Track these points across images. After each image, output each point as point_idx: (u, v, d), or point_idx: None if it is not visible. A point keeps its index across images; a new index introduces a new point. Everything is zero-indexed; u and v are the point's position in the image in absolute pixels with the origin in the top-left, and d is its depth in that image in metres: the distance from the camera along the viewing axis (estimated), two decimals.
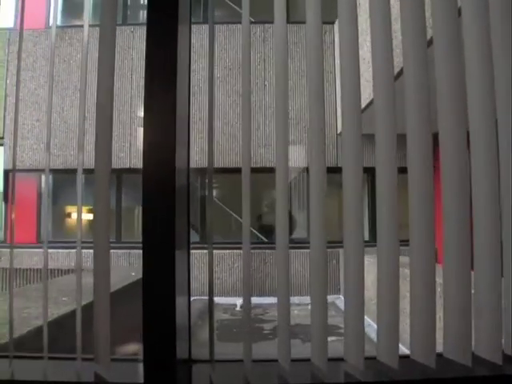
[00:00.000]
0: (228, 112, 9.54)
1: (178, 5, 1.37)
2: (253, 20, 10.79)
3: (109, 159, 1.47)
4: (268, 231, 9.61)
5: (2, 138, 10.37)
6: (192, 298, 1.48)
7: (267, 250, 8.95)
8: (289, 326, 1.43)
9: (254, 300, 7.80)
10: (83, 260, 1.58)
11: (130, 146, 9.60)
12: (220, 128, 9.46)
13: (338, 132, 8.94)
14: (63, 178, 10.59)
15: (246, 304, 1.45)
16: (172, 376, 1.32)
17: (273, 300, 6.71)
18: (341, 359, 1.44)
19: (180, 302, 1.35)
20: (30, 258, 9.59)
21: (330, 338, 1.45)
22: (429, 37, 1.42)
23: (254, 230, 9.93)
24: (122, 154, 9.63)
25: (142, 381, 1.32)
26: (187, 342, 1.45)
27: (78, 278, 1.51)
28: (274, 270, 9.15)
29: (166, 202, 1.33)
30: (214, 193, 11.01)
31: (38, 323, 2.91)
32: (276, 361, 1.44)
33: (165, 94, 1.35)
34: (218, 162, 9.86)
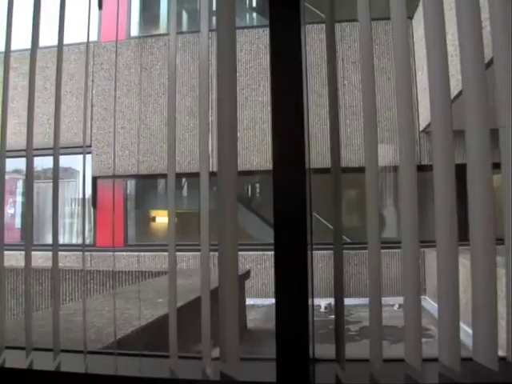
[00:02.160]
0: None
1: (299, 6, 1.39)
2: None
3: (235, 163, 1.50)
4: (350, 231, 9.47)
5: (90, 146, 10.77)
6: None
7: (351, 251, 8.82)
8: (420, 327, 1.40)
9: None
10: (176, 262, 1.62)
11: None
12: None
13: (421, 129, 8.72)
14: (148, 182, 10.90)
15: (376, 304, 1.42)
16: (306, 375, 1.34)
17: (357, 301, 6.63)
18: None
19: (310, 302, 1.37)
20: (119, 260, 9.92)
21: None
22: None
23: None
24: None
25: (273, 380, 1.35)
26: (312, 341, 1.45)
27: (203, 279, 1.54)
28: (358, 270, 9.03)
29: (297, 202, 1.36)
30: None
31: (140, 323, 2.96)
32: (403, 360, 1.41)
33: (292, 94, 1.39)
34: None
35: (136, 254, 9.71)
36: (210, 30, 1.60)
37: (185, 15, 11.33)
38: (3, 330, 1.72)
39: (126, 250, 10.17)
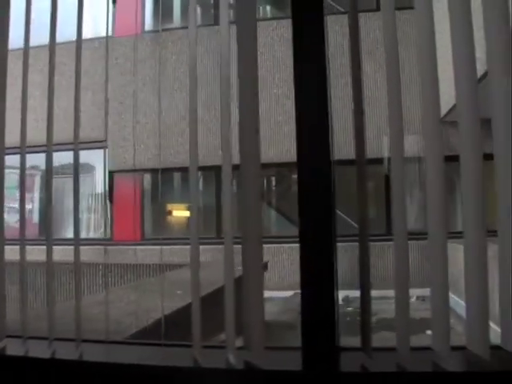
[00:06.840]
0: None
1: None
2: None
3: (258, 156, 1.49)
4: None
5: (105, 140, 10.78)
6: None
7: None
8: (448, 313, 1.37)
9: None
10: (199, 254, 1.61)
11: None
12: None
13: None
14: (162, 177, 10.90)
15: (403, 295, 1.40)
16: (332, 363, 1.34)
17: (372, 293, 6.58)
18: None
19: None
20: (135, 254, 9.95)
21: None
22: None
23: None
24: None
25: (299, 368, 1.35)
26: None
27: (228, 270, 1.53)
28: (371, 263, 8.98)
29: (323, 195, 1.36)
30: None
31: (157, 316, 2.95)
32: (429, 349, 1.39)
33: (316, 85, 1.38)
34: None
35: (153, 247, 9.73)
36: (230, 23, 1.57)
37: (198, 8, 11.34)
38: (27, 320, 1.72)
39: (143, 244, 10.20)
